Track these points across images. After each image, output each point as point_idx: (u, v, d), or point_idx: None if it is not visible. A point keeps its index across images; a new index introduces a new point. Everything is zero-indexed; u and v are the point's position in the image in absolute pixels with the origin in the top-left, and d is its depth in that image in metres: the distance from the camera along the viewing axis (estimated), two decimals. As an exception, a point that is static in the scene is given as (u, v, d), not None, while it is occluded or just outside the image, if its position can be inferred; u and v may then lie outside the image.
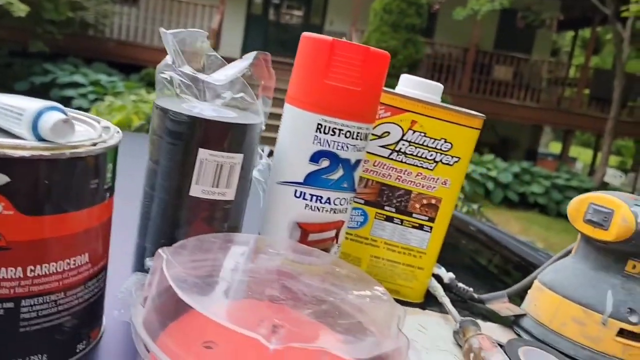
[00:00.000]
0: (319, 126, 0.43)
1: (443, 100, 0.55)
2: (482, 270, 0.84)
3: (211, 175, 0.42)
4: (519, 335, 0.54)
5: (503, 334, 0.53)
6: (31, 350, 0.33)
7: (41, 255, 0.31)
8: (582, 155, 13.43)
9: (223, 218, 0.44)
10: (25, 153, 0.29)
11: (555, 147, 12.99)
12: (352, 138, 0.44)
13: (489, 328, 0.54)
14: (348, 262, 0.55)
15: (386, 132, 0.52)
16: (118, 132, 0.36)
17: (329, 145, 0.43)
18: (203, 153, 0.42)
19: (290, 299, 0.39)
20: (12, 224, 0.30)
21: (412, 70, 6.55)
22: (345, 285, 0.38)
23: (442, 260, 0.60)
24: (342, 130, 0.43)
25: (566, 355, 0.49)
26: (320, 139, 0.43)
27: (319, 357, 0.29)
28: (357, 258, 0.55)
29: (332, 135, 0.43)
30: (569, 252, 0.55)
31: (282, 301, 0.35)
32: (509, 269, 0.85)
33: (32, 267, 0.31)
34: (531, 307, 0.55)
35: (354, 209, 0.54)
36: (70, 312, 0.34)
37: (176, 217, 0.43)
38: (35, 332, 0.32)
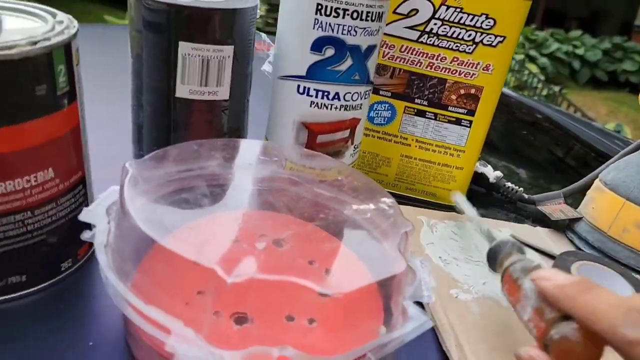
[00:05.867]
0: (319, 7, 0.36)
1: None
2: (540, 167, 0.75)
3: (197, 73, 0.37)
4: (571, 241, 0.47)
5: (554, 240, 0.47)
6: (6, 272, 0.31)
7: (-7, 173, 0.28)
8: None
9: (221, 120, 0.39)
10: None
11: (656, 18, 11.60)
12: (361, 19, 0.36)
13: (539, 232, 0.48)
14: (376, 162, 0.50)
15: (414, 9, 0.44)
16: (72, 27, 0.31)
17: (332, 30, 0.36)
18: (184, 47, 0.36)
19: (287, 211, 0.35)
20: (-52, 140, 0.26)
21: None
22: (347, 196, 0.33)
23: (490, 156, 0.53)
24: (347, 10, 0.36)
25: (626, 266, 0.42)
26: (321, 23, 0.36)
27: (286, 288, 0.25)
28: (386, 158, 0.50)
29: (335, 17, 0.36)
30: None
31: (279, 213, 0.30)
32: (574, 164, 0.76)
33: (-15, 187, 0.28)
34: (588, 209, 0.47)
35: (380, 102, 0.47)
36: (44, 230, 0.32)
37: (167, 121, 0.39)
38: (5, 253, 0.30)
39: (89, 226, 0.31)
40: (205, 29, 0.36)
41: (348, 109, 0.39)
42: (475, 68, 0.45)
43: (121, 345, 0.30)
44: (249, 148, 0.38)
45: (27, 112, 0.28)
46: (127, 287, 0.25)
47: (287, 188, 0.37)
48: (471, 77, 0.46)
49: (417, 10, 0.44)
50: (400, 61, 0.46)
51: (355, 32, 0.37)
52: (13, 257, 0.31)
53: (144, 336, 0.27)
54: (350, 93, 0.39)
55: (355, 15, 0.36)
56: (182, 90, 0.37)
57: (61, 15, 0.32)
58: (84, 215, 0.30)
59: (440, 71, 0.46)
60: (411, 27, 0.45)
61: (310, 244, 0.34)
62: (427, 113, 0.47)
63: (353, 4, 0.36)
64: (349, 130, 0.40)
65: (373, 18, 0.37)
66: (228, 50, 0.37)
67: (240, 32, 0.37)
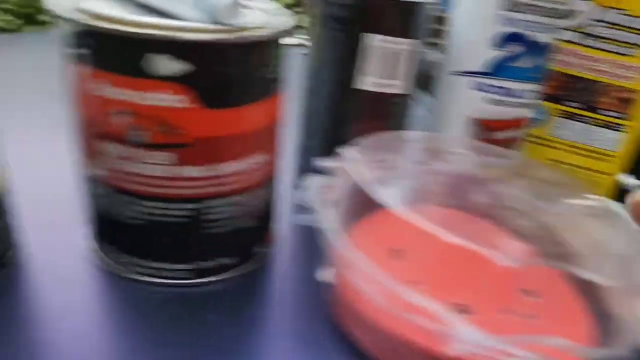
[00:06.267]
0: (504, 2, 0.36)
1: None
2: None
3: (380, 65, 0.37)
4: None
5: None
6: (221, 252, 0.32)
7: (222, 153, 0.29)
8: None
9: (393, 113, 0.40)
10: (210, 37, 0.25)
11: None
12: (546, 17, 0.37)
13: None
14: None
15: (572, 10, 0.44)
16: (290, 17, 0.32)
17: (517, 26, 0.37)
18: (370, 39, 0.37)
19: (494, 210, 0.35)
20: (196, 118, 0.27)
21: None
22: (553, 193, 0.32)
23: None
24: (532, 6, 0.36)
25: None
26: (506, 18, 0.37)
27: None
28: (531, 162, 0.49)
29: (520, 13, 0.36)
30: None
31: (485, 211, 0.30)
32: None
33: (215, 167, 0.29)
34: None
35: (530, 105, 0.47)
36: (253, 213, 0.32)
37: (343, 112, 0.39)
38: (222, 234, 0.31)
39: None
40: (391, 21, 0.37)
41: (524, 106, 0.39)
42: (634, 72, 0.45)
43: (327, 327, 0.30)
44: (436, 142, 0.38)
45: (253, 95, 0.29)
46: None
47: (470, 187, 0.37)
48: (628, 80, 0.45)
49: (575, 11, 0.44)
50: (554, 63, 0.46)
51: (539, 29, 0.37)
52: (226, 238, 0.32)
53: (375, 318, 0.27)
54: (528, 91, 0.39)
55: (540, 12, 0.36)
56: (364, 82, 0.38)
57: (275, 6, 0.33)
58: (301, 198, 0.30)
59: (595, 74, 0.46)
60: (566, 28, 0.45)
61: (507, 248, 0.34)
62: (578, 116, 0.47)
63: (538, 0, 0.36)
64: (522, 128, 0.40)
65: (555, 16, 0.37)
66: (409, 43, 0.38)
67: (420, 26, 0.38)
